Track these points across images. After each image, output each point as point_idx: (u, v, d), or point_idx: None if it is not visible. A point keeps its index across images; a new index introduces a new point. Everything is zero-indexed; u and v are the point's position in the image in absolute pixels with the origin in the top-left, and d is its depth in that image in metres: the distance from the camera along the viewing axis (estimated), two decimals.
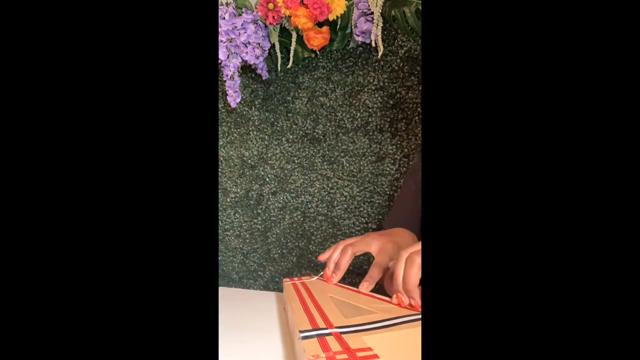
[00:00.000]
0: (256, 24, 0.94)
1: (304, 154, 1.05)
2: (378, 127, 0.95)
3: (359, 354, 0.32)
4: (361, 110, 0.96)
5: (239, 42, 0.94)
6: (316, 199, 1.05)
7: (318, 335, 0.37)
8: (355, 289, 0.54)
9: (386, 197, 0.96)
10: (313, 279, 0.63)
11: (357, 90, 0.96)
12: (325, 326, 0.39)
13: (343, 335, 0.37)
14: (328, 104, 1.00)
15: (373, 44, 0.85)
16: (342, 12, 0.86)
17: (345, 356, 0.32)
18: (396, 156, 0.94)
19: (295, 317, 0.43)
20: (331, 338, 0.36)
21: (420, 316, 0.41)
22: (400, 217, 0.81)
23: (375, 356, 0.32)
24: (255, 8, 0.93)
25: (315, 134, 1.03)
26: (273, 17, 0.89)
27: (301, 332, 0.38)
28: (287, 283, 0.60)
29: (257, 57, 0.96)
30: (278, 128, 1.07)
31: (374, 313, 0.43)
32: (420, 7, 0.81)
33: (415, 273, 0.44)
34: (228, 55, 0.95)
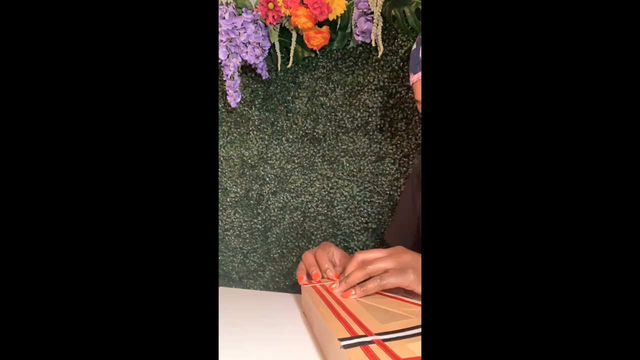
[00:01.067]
0: (256, 23, 0.94)
1: (304, 154, 1.05)
2: (378, 127, 0.95)
3: None
4: (361, 110, 0.96)
5: (239, 42, 0.94)
6: (316, 199, 1.05)
7: (360, 344, 0.34)
8: (381, 292, 0.51)
9: (386, 197, 0.96)
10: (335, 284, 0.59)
11: (357, 90, 0.96)
12: (364, 333, 0.36)
13: (386, 343, 0.34)
14: (328, 104, 1.00)
15: (373, 44, 0.85)
16: (342, 12, 0.86)
17: None
18: (396, 156, 0.94)
19: (328, 323, 0.39)
20: (375, 346, 0.34)
21: None
22: (399, 226, 0.82)
23: None
24: (255, 8, 0.93)
25: (315, 134, 1.03)
26: (273, 16, 0.89)
27: (341, 340, 0.35)
28: (307, 286, 0.57)
29: (257, 57, 0.96)
30: (278, 128, 1.07)
31: (409, 318, 0.41)
32: (420, 7, 0.81)
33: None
34: (228, 55, 0.95)
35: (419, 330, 0.37)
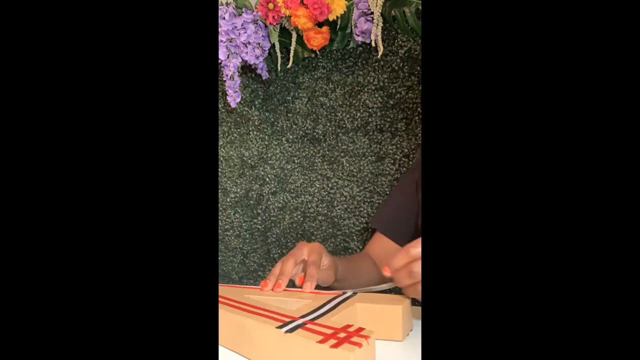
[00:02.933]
0: (256, 24, 0.94)
1: (304, 154, 1.05)
2: (378, 127, 0.95)
3: (350, 330, 0.34)
4: (361, 110, 0.96)
5: (239, 42, 0.94)
6: (316, 199, 1.05)
7: (298, 326, 0.36)
8: (251, 286, 0.56)
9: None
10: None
11: (357, 90, 0.96)
12: (290, 319, 0.38)
13: (316, 321, 0.37)
14: (328, 104, 1.00)
15: (373, 44, 0.85)
16: (342, 12, 0.86)
17: (344, 334, 0.33)
18: (396, 156, 0.94)
19: (252, 320, 0.40)
20: (310, 325, 0.36)
21: (347, 295, 0.46)
22: (395, 213, 0.81)
23: (362, 328, 0.35)
24: (255, 8, 0.93)
25: (315, 134, 1.03)
26: (273, 17, 0.89)
27: (280, 327, 0.36)
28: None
29: (257, 57, 0.96)
30: (278, 128, 1.07)
31: (304, 301, 0.45)
32: (420, 7, 0.81)
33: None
34: (228, 55, 0.95)
35: (324, 309, 0.41)
